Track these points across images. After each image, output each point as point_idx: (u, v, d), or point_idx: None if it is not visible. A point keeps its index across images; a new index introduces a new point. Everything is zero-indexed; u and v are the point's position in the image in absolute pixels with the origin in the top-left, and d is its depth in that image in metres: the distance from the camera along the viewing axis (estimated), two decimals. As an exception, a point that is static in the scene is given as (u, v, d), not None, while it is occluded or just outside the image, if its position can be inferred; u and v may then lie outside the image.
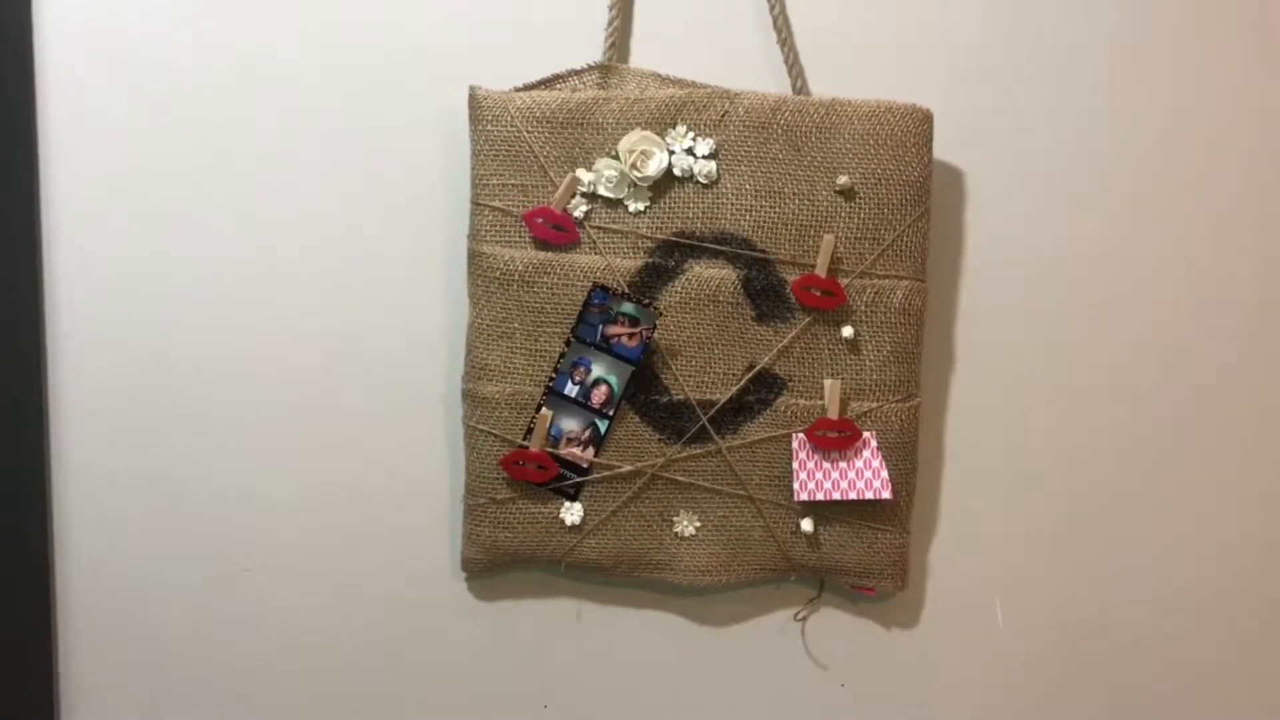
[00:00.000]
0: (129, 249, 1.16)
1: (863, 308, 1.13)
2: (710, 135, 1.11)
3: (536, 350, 1.13)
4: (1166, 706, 1.26)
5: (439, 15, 1.16)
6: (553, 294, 1.12)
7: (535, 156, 1.11)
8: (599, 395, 1.13)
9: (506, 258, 1.12)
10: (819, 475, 1.14)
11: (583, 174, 1.11)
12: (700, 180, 1.12)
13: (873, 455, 1.14)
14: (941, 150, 1.15)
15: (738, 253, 1.12)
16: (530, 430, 1.13)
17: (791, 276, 1.12)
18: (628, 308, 1.11)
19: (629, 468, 1.14)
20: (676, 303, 1.12)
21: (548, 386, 1.13)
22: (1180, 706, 1.26)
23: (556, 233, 1.12)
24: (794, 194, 1.12)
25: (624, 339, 1.12)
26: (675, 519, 1.15)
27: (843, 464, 1.14)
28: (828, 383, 1.13)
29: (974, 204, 1.20)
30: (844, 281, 1.12)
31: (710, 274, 1.12)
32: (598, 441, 1.13)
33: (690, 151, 1.11)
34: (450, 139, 1.15)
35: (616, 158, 1.11)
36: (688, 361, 1.13)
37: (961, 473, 1.22)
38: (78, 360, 1.17)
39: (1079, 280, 1.21)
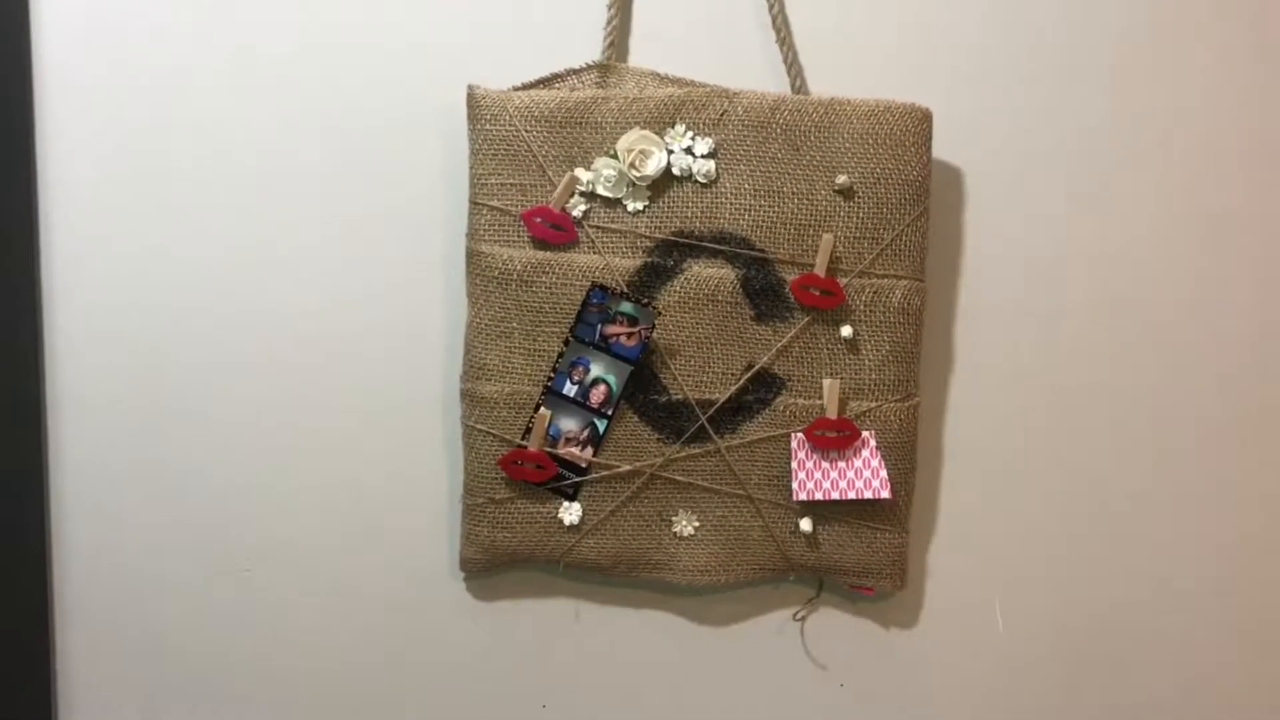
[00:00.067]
0: (127, 245, 1.16)
1: (862, 307, 1.13)
2: (709, 134, 1.11)
3: (535, 350, 1.13)
4: (1166, 707, 1.26)
5: (438, 14, 1.16)
6: (551, 293, 1.12)
7: (534, 156, 1.11)
8: (598, 395, 1.12)
9: (505, 257, 1.11)
10: (818, 475, 1.14)
11: (581, 173, 1.11)
12: (699, 179, 1.11)
13: (872, 455, 1.14)
14: (940, 150, 1.15)
15: (736, 252, 1.12)
16: (529, 430, 1.13)
17: (790, 276, 1.12)
18: (626, 307, 1.11)
19: (628, 467, 1.14)
20: (675, 302, 1.12)
21: (546, 386, 1.12)
22: (1180, 707, 1.26)
23: (555, 232, 1.11)
24: (793, 193, 1.12)
25: (623, 338, 1.12)
26: (674, 519, 1.15)
27: (841, 464, 1.14)
28: (827, 382, 1.13)
29: (973, 203, 1.20)
30: (843, 281, 1.12)
31: (709, 273, 1.12)
32: (596, 441, 1.13)
33: (689, 151, 1.11)
34: (449, 138, 1.15)
35: (615, 157, 1.11)
36: (686, 361, 1.13)
37: (960, 472, 1.22)
38: (76, 357, 1.17)
39: (1078, 280, 1.21)
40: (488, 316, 1.13)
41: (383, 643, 1.21)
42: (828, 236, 1.11)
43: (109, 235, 1.16)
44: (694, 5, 1.16)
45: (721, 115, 1.11)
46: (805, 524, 1.15)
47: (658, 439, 1.14)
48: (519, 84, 1.13)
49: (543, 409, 1.12)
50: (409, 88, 1.16)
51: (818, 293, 1.12)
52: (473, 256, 1.12)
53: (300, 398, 1.18)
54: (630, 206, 1.12)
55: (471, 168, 1.12)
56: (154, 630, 1.20)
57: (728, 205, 1.12)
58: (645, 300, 1.11)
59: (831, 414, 1.13)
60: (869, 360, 1.14)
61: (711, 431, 1.13)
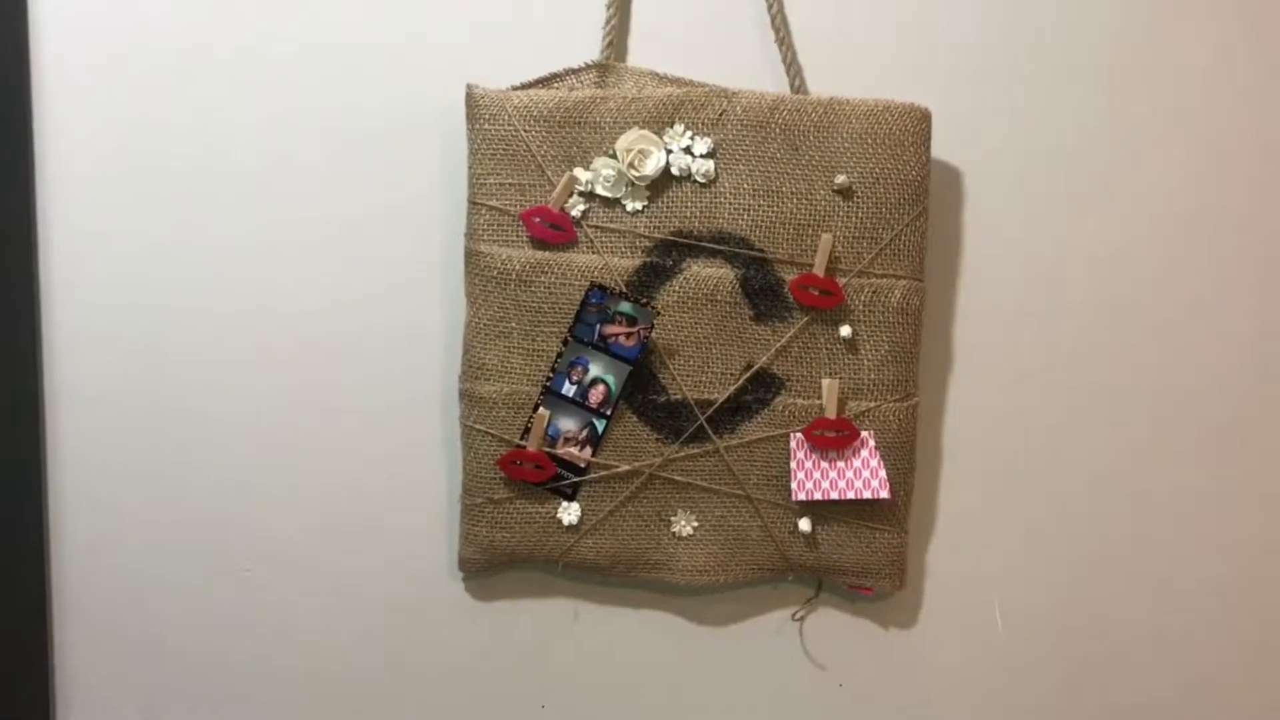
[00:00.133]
0: (126, 244, 1.16)
1: (861, 307, 1.13)
2: (708, 134, 1.11)
3: (534, 350, 1.12)
4: (1165, 707, 1.26)
5: (438, 14, 1.16)
6: (550, 293, 1.12)
7: (532, 155, 1.11)
8: (596, 395, 1.12)
9: (504, 257, 1.11)
10: (817, 475, 1.14)
11: (580, 173, 1.11)
12: (698, 179, 1.11)
13: (871, 455, 1.14)
14: (940, 149, 1.15)
15: (735, 252, 1.12)
16: (528, 430, 1.13)
17: (789, 276, 1.12)
18: (625, 307, 1.11)
19: (626, 467, 1.14)
20: (674, 302, 1.12)
21: (545, 386, 1.12)
22: (1180, 707, 1.26)
23: (554, 232, 1.11)
24: (792, 193, 1.12)
25: (621, 338, 1.12)
26: (673, 519, 1.15)
27: (840, 463, 1.14)
28: (826, 382, 1.13)
29: (972, 203, 1.20)
30: (842, 281, 1.12)
31: (708, 273, 1.12)
32: (595, 441, 1.13)
33: (688, 150, 1.11)
34: (448, 138, 1.15)
35: (614, 157, 1.11)
36: (685, 361, 1.13)
37: (959, 472, 1.22)
38: (75, 355, 1.17)
39: (1077, 280, 1.21)
40: (486, 316, 1.13)
41: (382, 643, 1.21)
42: (827, 236, 1.11)
43: (108, 233, 1.16)
44: (693, 5, 1.16)
45: (720, 115, 1.11)
46: (804, 524, 1.15)
47: (656, 439, 1.13)
48: (518, 84, 1.13)
49: (541, 409, 1.12)
50: (409, 88, 1.16)
51: (817, 292, 1.12)
52: (471, 256, 1.12)
53: (299, 397, 1.18)
54: (629, 206, 1.12)
55: (470, 167, 1.12)
56: (153, 630, 1.20)
57: (727, 205, 1.12)
58: (644, 300, 1.11)
59: (830, 414, 1.13)
60: (868, 360, 1.14)
61: (710, 431, 1.13)
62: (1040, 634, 1.25)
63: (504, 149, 1.11)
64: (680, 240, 1.12)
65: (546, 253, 1.12)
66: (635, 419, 1.13)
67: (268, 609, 1.20)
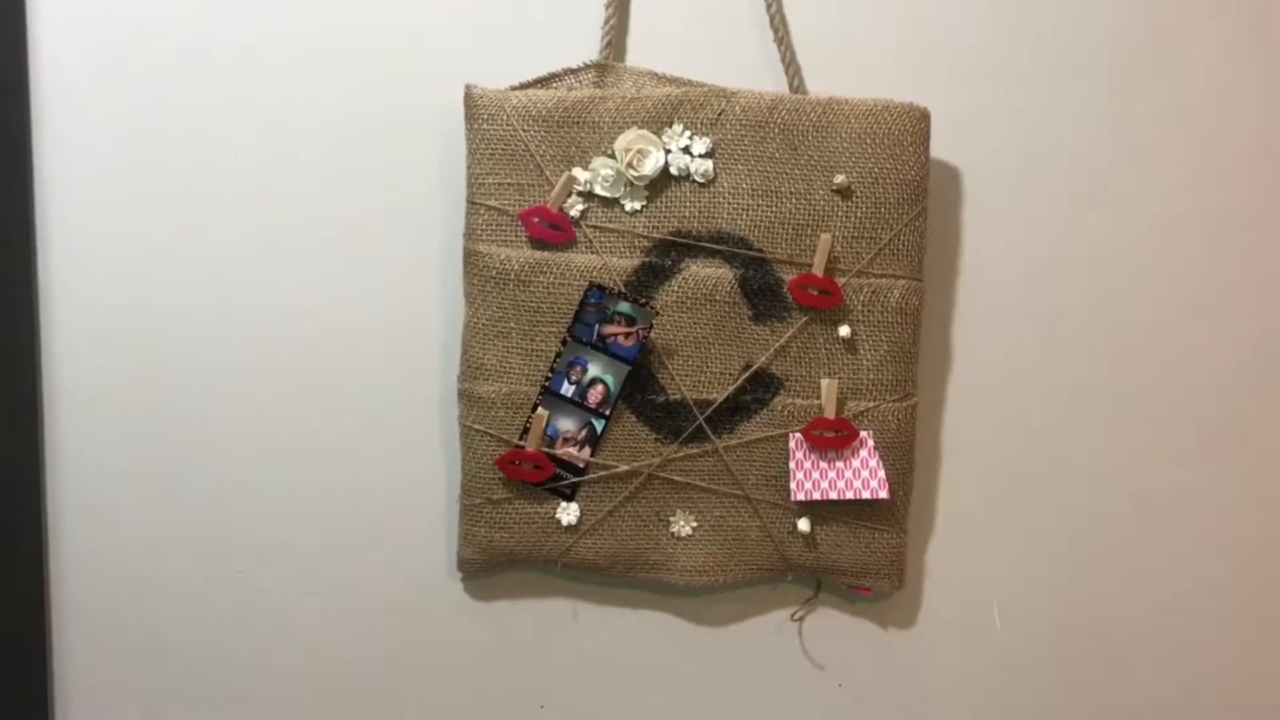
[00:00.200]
0: (125, 245, 1.16)
1: (860, 307, 1.13)
2: (707, 134, 1.11)
3: (533, 350, 1.12)
4: (1166, 707, 1.26)
5: (438, 14, 1.16)
6: (549, 293, 1.12)
7: (531, 155, 1.11)
8: (595, 395, 1.12)
9: (502, 257, 1.11)
10: (816, 475, 1.14)
11: (579, 173, 1.11)
12: (697, 179, 1.11)
13: (870, 455, 1.14)
14: (939, 149, 1.15)
15: (734, 252, 1.12)
16: (526, 430, 1.13)
17: (788, 276, 1.12)
18: (624, 307, 1.11)
19: (625, 467, 1.14)
20: (673, 302, 1.12)
21: (544, 386, 1.12)
22: (1180, 707, 1.26)
23: (553, 232, 1.11)
24: (791, 193, 1.12)
25: (620, 338, 1.12)
26: (672, 519, 1.15)
27: (840, 464, 1.14)
28: (824, 382, 1.13)
29: (971, 203, 1.20)
30: (841, 281, 1.12)
31: (707, 273, 1.12)
32: (594, 441, 1.13)
33: (687, 150, 1.11)
34: (448, 138, 1.15)
35: (613, 156, 1.11)
36: (684, 361, 1.13)
37: (959, 472, 1.22)
38: (73, 356, 1.17)
39: (1077, 280, 1.21)
40: (485, 316, 1.13)
41: (381, 643, 1.21)
42: (826, 236, 1.11)
43: (107, 234, 1.16)
44: (692, 5, 1.16)
45: (719, 115, 1.11)
46: (803, 524, 1.15)
47: (655, 439, 1.13)
48: (517, 84, 1.12)
49: (540, 409, 1.12)
50: (408, 88, 1.16)
51: (816, 292, 1.12)
52: (470, 256, 1.12)
53: (298, 397, 1.18)
54: (628, 206, 1.12)
55: (469, 167, 1.12)
56: (153, 630, 1.20)
57: (725, 205, 1.12)
58: (643, 300, 1.11)
59: (829, 414, 1.13)
60: (867, 360, 1.14)
61: (709, 431, 1.13)
62: (1040, 634, 1.24)
63: (503, 149, 1.11)
64: (679, 240, 1.12)
65: (545, 253, 1.12)
66: (634, 419, 1.13)
67: (267, 609, 1.21)
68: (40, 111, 1.14)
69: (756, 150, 1.11)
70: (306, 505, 1.19)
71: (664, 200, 1.12)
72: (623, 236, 1.12)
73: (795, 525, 1.15)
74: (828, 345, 1.13)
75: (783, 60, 1.15)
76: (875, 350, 1.14)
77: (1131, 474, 1.23)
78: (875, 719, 1.24)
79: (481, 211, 1.12)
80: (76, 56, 1.15)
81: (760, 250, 1.12)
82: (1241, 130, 1.21)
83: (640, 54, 1.16)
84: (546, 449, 1.13)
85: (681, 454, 1.14)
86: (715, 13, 1.16)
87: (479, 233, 1.12)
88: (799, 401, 1.14)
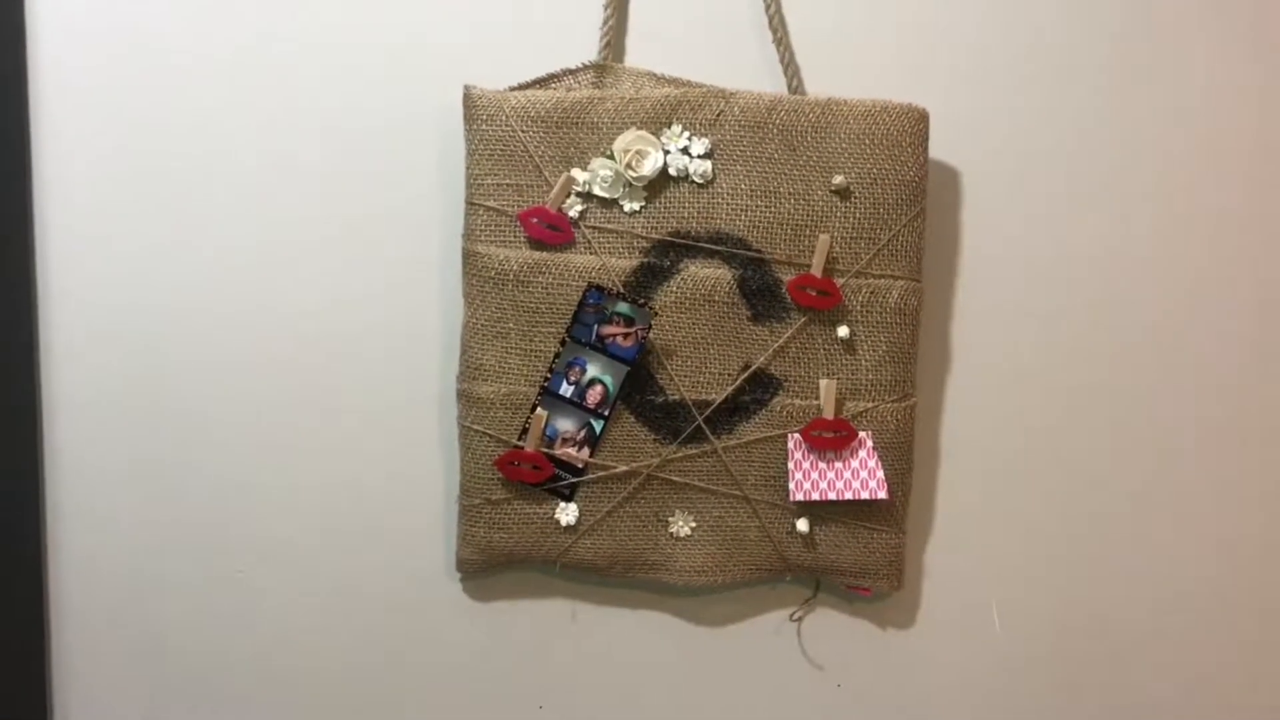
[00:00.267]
0: (124, 245, 1.16)
1: (858, 307, 1.13)
2: (705, 135, 1.11)
3: (531, 350, 1.12)
4: (1164, 707, 1.26)
5: (437, 14, 1.16)
6: (548, 294, 1.12)
7: (530, 156, 1.11)
8: (594, 395, 1.12)
9: (501, 257, 1.11)
10: (815, 475, 1.14)
11: (578, 173, 1.11)
12: (695, 180, 1.11)
13: (868, 455, 1.14)
14: (937, 150, 1.15)
15: (733, 252, 1.12)
16: (525, 430, 1.13)
17: (787, 276, 1.12)
18: (623, 307, 1.11)
19: (624, 468, 1.14)
20: (672, 302, 1.12)
21: (543, 386, 1.12)
22: (1179, 707, 1.26)
23: (551, 232, 1.11)
24: (789, 193, 1.11)
25: (619, 339, 1.12)
26: (670, 519, 1.15)
27: (838, 464, 1.14)
28: (823, 382, 1.13)
29: (970, 204, 1.19)
30: (839, 281, 1.12)
31: (706, 274, 1.12)
32: (593, 442, 1.13)
33: (685, 151, 1.11)
34: (447, 138, 1.15)
35: (611, 157, 1.11)
36: (683, 361, 1.13)
37: (957, 472, 1.22)
38: (73, 356, 1.17)
39: (1076, 280, 1.21)
40: (484, 317, 1.13)
41: (381, 643, 1.21)
42: (824, 237, 1.11)
43: (106, 235, 1.16)
44: (691, 5, 1.16)
45: (718, 115, 1.11)
46: (802, 524, 1.15)
47: (654, 439, 1.13)
48: (516, 84, 1.12)
49: (539, 409, 1.12)
50: (408, 88, 1.16)
51: (814, 293, 1.12)
52: (469, 257, 1.12)
53: (298, 397, 1.18)
54: (627, 207, 1.12)
55: (468, 168, 1.12)
56: (153, 631, 1.20)
57: (724, 205, 1.12)
58: (642, 300, 1.11)
59: (828, 414, 1.13)
60: (866, 360, 1.14)
61: (708, 432, 1.13)
62: (1040, 634, 1.24)
63: (501, 149, 1.11)
64: (678, 241, 1.12)
65: (544, 253, 1.12)
66: (633, 419, 1.13)
67: (267, 609, 1.21)
68: (39, 111, 1.15)
69: (755, 151, 1.11)
70: (306, 505, 1.19)
71: (663, 201, 1.12)
72: (621, 237, 1.12)
73: (794, 525, 1.15)
74: (826, 346, 1.13)
75: (781, 61, 1.15)
76: (874, 351, 1.13)
77: (1131, 474, 1.23)
78: (874, 719, 1.24)
79: (480, 212, 1.12)
80: (76, 56, 1.15)
81: (759, 251, 1.12)
82: (1241, 130, 1.21)
83: (639, 54, 1.16)
84: (545, 449, 1.13)
85: (680, 454, 1.14)
86: (714, 13, 1.16)
87: (478, 233, 1.12)
88: (798, 402, 1.14)
